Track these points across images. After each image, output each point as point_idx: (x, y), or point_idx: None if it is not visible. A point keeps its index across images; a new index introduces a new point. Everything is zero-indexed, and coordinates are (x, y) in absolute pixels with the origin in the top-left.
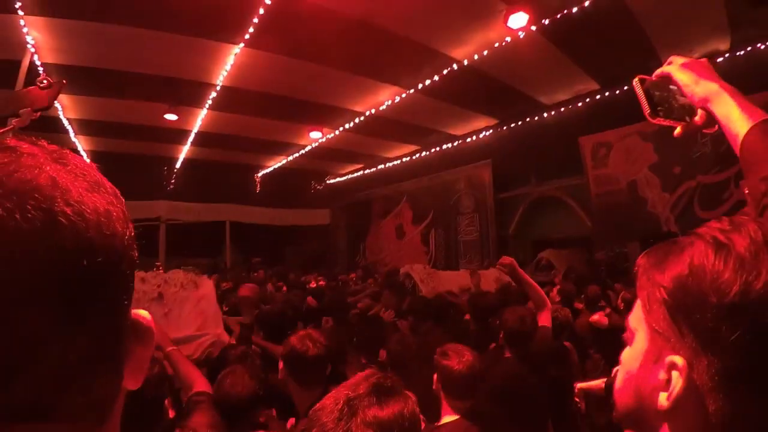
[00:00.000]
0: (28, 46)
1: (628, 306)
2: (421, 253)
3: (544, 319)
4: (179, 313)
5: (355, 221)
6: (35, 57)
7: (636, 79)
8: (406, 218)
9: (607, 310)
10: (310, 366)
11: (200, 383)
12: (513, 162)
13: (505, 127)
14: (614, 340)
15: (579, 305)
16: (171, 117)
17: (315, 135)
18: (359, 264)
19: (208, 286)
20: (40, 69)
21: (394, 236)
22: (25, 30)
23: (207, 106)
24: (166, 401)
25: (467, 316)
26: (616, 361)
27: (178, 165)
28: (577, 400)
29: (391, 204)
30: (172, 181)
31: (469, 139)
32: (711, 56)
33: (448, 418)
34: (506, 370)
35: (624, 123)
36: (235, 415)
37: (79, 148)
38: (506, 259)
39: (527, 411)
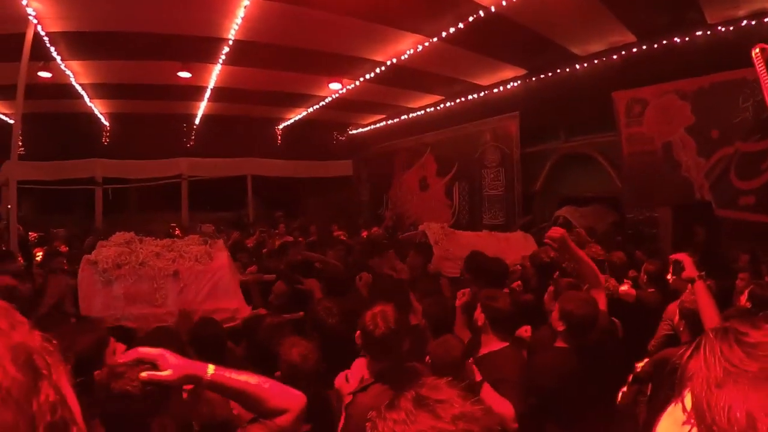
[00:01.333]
0: (30, 17)
1: (652, 280)
2: (445, 207)
3: (600, 302)
4: (196, 288)
5: (378, 173)
6: (38, 27)
7: (756, 49)
8: (430, 170)
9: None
10: (379, 344)
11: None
12: (541, 115)
13: (534, 79)
14: (639, 316)
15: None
16: (185, 75)
17: (335, 86)
18: (382, 216)
19: (223, 257)
20: (45, 39)
21: (417, 188)
22: (24, 2)
23: (221, 61)
24: None
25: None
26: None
27: (196, 121)
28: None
29: (415, 156)
30: (192, 137)
31: (495, 90)
32: (759, 15)
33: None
34: (562, 368)
35: (661, 80)
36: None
37: (96, 111)
38: (556, 232)
39: (574, 413)
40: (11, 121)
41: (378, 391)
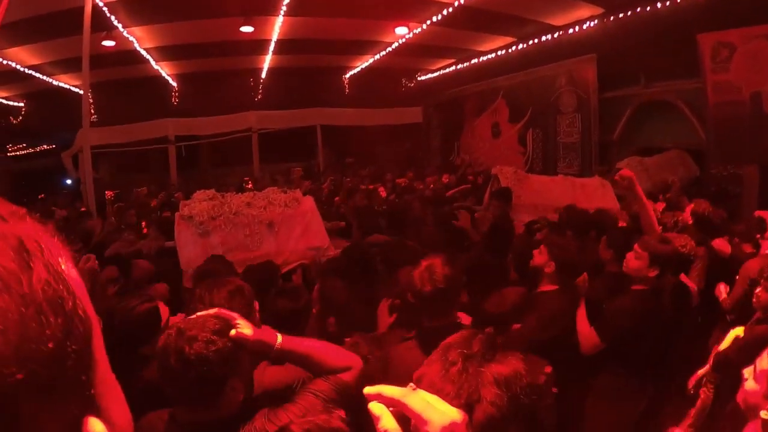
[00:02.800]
0: None
1: (742, 240)
2: (518, 154)
3: None
4: (287, 230)
5: (449, 119)
6: None
7: None
8: (502, 116)
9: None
10: (430, 302)
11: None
12: (620, 58)
13: (612, 18)
14: (733, 273)
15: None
16: (247, 29)
17: (401, 31)
18: (454, 162)
19: (309, 201)
20: (105, 9)
21: (489, 135)
22: None
23: (282, 12)
24: None
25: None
26: None
27: (263, 75)
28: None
29: (486, 101)
30: (260, 91)
31: (570, 31)
32: None
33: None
34: (635, 306)
35: (751, 22)
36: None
37: (163, 74)
38: (626, 173)
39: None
40: (81, 92)
41: (412, 346)
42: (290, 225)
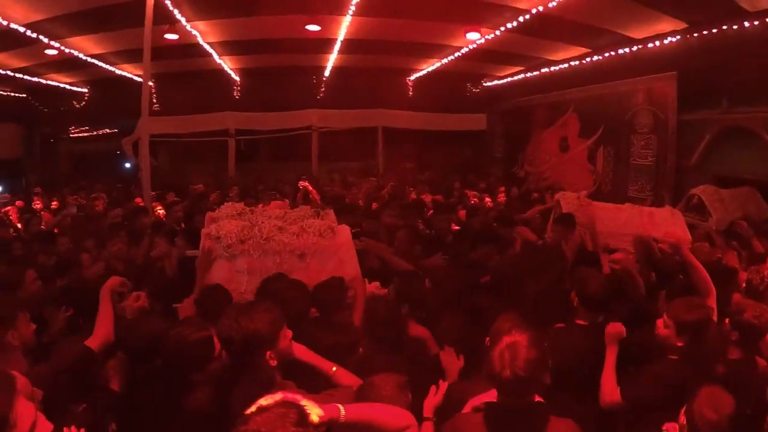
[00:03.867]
0: None
1: None
2: (586, 172)
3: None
4: (319, 262)
5: (514, 129)
6: None
7: None
8: (572, 130)
9: None
10: (505, 386)
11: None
12: (703, 78)
13: (695, 34)
14: None
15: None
16: (313, 28)
17: (472, 36)
18: (517, 174)
19: (345, 232)
20: (167, 2)
21: (557, 149)
22: None
23: (350, 12)
24: None
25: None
26: None
27: (326, 74)
28: None
29: (556, 113)
30: (322, 89)
31: (650, 45)
32: None
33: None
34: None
35: None
36: None
37: (226, 68)
38: (670, 238)
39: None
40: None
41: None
42: (323, 257)
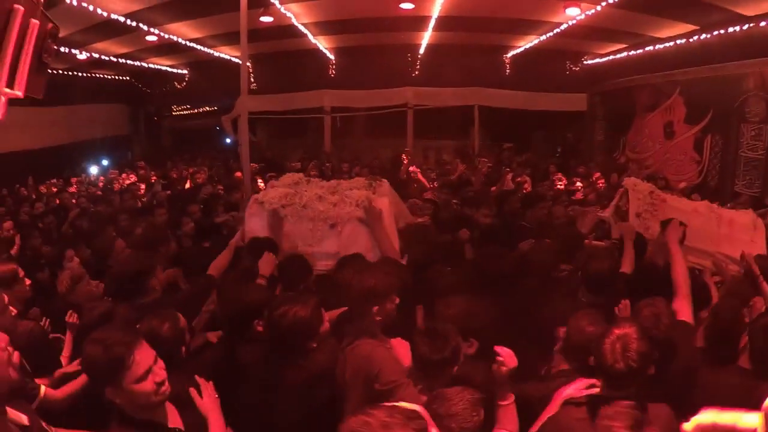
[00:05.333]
0: None
1: None
2: (691, 162)
3: None
4: (352, 235)
5: (616, 111)
6: None
7: None
8: (678, 115)
9: None
10: (615, 379)
11: None
12: None
13: None
14: None
15: None
16: (407, 5)
17: (572, 11)
18: (618, 160)
19: (383, 203)
20: None
21: (661, 135)
22: None
23: None
24: None
25: None
26: None
27: (421, 51)
28: None
29: (661, 96)
30: (417, 67)
31: (763, 24)
32: None
33: None
34: None
35: None
36: None
37: (320, 47)
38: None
39: None
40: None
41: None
42: (356, 228)
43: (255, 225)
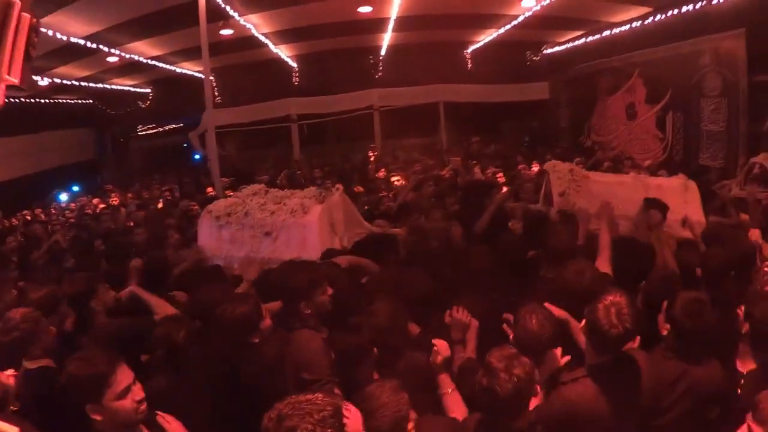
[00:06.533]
0: None
1: None
2: (655, 140)
3: None
4: (285, 239)
5: (579, 97)
6: None
7: None
8: (639, 96)
9: None
10: (611, 342)
11: None
12: None
13: None
14: None
15: None
16: (365, 9)
17: (528, 3)
18: (583, 144)
19: (315, 212)
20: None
21: (624, 116)
22: None
23: None
24: None
25: None
26: None
27: (382, 53)
28: None
29: (621, 78)
30: (380, 68)
31: (715, 1)
32: None
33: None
34: None
35: None
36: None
37: (282, 56)
38: None
39: None
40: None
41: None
42: (290, 235)
43: (204, 233)
